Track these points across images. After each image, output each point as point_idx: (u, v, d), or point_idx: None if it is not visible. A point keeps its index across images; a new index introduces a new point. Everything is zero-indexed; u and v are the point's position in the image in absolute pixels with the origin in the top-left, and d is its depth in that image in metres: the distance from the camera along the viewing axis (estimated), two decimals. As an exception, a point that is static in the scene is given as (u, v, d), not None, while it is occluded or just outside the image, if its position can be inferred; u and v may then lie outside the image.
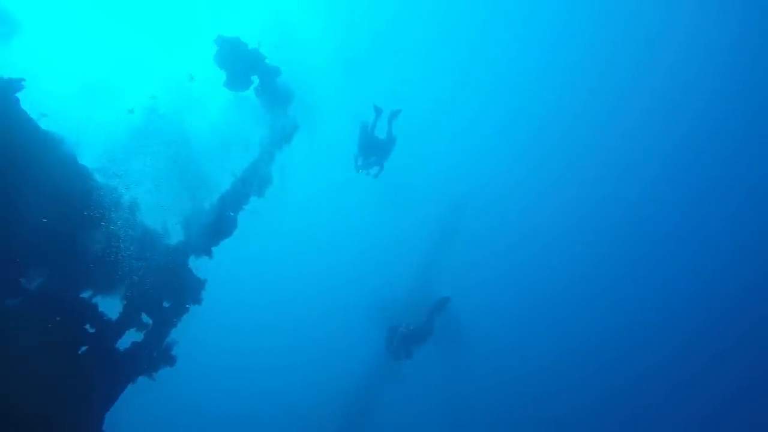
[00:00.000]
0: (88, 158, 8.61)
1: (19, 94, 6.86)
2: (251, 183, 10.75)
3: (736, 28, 35.24)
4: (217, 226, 10.26)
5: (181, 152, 10.34)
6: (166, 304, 9.58)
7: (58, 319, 7.46)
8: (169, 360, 9.47)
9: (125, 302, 8.83)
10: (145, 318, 9.26)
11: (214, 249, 10.49)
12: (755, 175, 38.21)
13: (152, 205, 9.40)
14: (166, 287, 9.44)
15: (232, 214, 10.59)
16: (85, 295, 8.37)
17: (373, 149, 12.74)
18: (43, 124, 7.27)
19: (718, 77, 37.82)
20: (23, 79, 6.75)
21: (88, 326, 8.23)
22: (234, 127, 11.70)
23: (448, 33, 40.25)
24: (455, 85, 41.40)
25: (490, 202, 39.73)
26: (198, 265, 10.22)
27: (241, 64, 10.90)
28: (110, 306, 8.77)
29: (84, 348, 8.06)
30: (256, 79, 11.35)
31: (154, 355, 9.24)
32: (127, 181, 8.92)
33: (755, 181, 38.33)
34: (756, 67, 36.17)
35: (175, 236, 10.03)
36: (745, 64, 36.53)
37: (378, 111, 12.48)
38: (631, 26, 38.29)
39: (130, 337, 9.05)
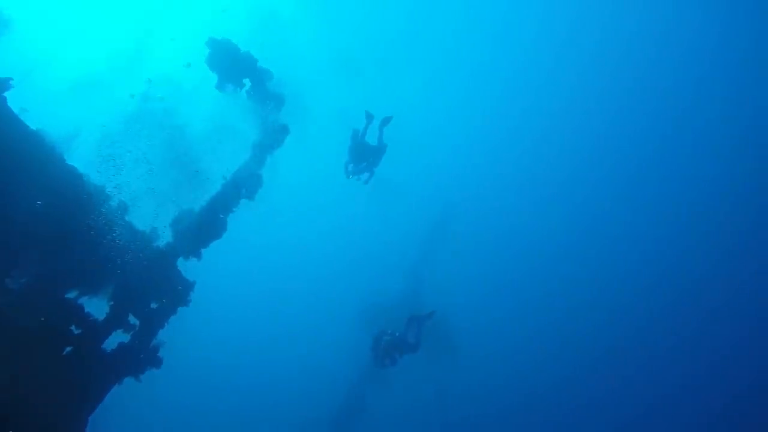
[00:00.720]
0: (85, 146, 8.64)
1: (7, 93, 6.86)
2: (241, 185, 10.76)
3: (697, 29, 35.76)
4: (206, 228, 10.26)
5: (176, 136, 10.40)
6: (153, 305, 9.57)
7: (42, 319, 7.42)
8: (156, 361, 9.44)
9: (112, 302, 8.81)
10: (132, 319, 9.24)
11: (203, 251, 10.50)
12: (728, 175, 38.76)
13: (145, 190, 9.48)
14: (154, 288, 9.43)
15: (221, 216, 10.60)
16: (71, 295, 8.34)
17: (364, 155, 12.77)
18: (25, 119, 7.26)
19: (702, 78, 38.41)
20: (11, 79, 6.75)
21: (73, 327, 8.19)
22: (227, 116, 11.75)
23: (442, 34, 40.48)
24: (450, 85, 41.61)
25: (481, 205, 39.91)
26: (186, 267, 10.23)
27: (232, 67, 10.90)
28: (97, 307, 8.74)
29: (69, 349, 8.02)
30: (247, 82, 11.38)
31: (141, 356, 9.21)
32: (120, 164, 8.99)
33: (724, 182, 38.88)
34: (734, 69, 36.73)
35: (164, 237, 10.04)
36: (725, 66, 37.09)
37: (369, 117, 12.51)
38: (616, 31, 38.80)
39: (117, 338, 9.03)
